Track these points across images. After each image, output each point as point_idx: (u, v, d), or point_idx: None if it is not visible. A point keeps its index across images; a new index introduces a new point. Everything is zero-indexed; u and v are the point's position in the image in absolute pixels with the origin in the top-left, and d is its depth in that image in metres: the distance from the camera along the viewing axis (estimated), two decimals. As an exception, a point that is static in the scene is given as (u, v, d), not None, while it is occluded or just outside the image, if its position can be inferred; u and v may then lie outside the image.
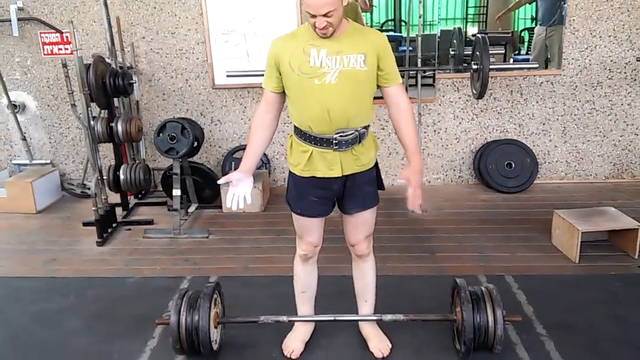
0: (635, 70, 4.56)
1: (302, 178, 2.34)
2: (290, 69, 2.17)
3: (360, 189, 2.36)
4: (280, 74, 2.23)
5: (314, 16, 2.05)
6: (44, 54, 4.68)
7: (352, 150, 2.27)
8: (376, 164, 2.44)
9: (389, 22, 6.38)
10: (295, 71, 2.16)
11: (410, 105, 2.30)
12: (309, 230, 2.46)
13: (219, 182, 2.35)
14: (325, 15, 2.03)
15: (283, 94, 2.29)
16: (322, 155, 2.26)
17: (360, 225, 2.45)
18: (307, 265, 2.57)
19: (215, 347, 2.51)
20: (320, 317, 2.66)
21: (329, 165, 2.27)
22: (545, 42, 4.88)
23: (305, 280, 2.61)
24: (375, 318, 2.59)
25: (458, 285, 2.50)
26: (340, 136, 2.22)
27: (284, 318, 2.57)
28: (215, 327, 2.53)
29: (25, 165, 4.95)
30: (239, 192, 2.29)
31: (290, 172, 2.41)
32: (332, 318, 2.60)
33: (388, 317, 2.52)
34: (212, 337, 2.45)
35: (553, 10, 4.84)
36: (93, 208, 3.85)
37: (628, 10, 4.43)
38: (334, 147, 2.23)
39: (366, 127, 2.31)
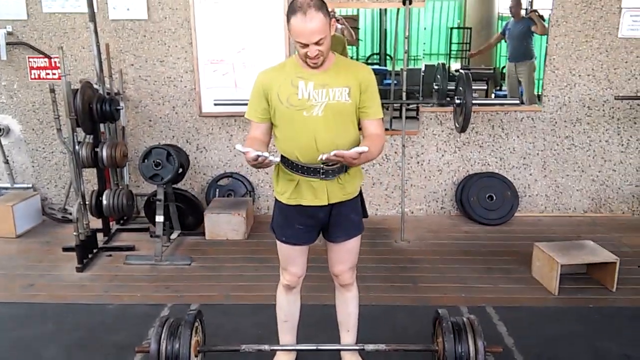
0: (612, 108, 4.69)
1: (288, 206, 2.36)
2: (279, 101, 2.22)
3: (345, 217, 2.39)
4: (267, 104, 2.26)
5: (305, 46, 2.10)
6: (31, 78, 4.69)
7: (338, 179, 2.31)
8: (360, 193, 2.47)
9: (375, 56, 6.50)
10: (284, 103, 2.21)
11: (384, 139, 2.33)
12: (293, 260, 2.47)
13: (239, 148, 2.09)
14: (316, 43, 2.08)
15: (268, 122, 2.32)
16: (309, 183, 2.29)
17: (345, 254, 2.46)
18: (290, 295, 2.57)
19: None
20: (302, 346, 2.65)
21: (316, 193, 2.30)
22: (517, 77, 5.05)
23: (287, 309, 2.60)
24: (357, 348, 2.59)
25: (440, 315, 2.51)
26: (327, 165, 2.25)
27: (266, 347, 2.55)
28: (196, 356, 2.50)
29: (6, 188, 4.90)
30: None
31: (276, 200, 2.43)
32: (314, 347, 2.59)
33: (370, 347, 2.51)
34: (192, 365, 2.43)
35: (520, 48, 5.03)
36: (74, 233, 3.81)
37: (607, 51, 4.58)
38: (321, 176, 2.27)
39: None
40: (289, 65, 2.28)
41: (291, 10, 2.08)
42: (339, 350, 2.68)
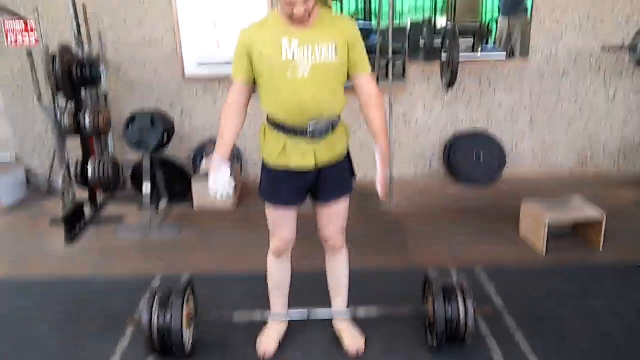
0: (599, 59, 4.65)
1: (275, 170, 2.34)
2: (262, 61, 2.15)
3: (333, 180, 2.38)
4: (251, 64, 2.20)
5: (291, 4, 2.03)
6: (8, 43, 4.53)
7: (326, 139, 2.28)
8: (348, 152, 2.45)
9: (359, 13, 6.35)
10: (267, 64, 2.14)
11: (379, 93, 2.32)
12: (282, 224, 2.45)
13: (200, 171, 2.29)
14: (304, 2, 2.02)
15: (252, 84, 2.27)
16: (296, 145, 2.26)
17: (334, 216, 2.45)
18: (280, 262, 2.57)
19: (188, 346, 2.49)
20: (294, 313, 2.66)
21: (303, 155, 2.27)
22: (509, 30, 4.95)
23: (278, 276, 2.61)
24: (348, 313, 2.61)
25: (429, 278, 2.53)
26: (314, 125, 2.22)
27: (258, 316, 2.57)
28: (188, 327, 2.51)
29: (-12, 160, 4.83)
30: (221, 177, 2.25)
31: (263, 163, 2.40)
32: (305, 315, 2.61)
33: (361, 311, 2.53)
34: (184, 336, 2.43)
35: (513, 1, 4.91)
36: (61, 206, 3.77)
37: (593, 1, 4.50)
38: (308, 137, 2.24)
39: (338, 116, 2.33)
40: (271, 21, 2.19)
41: None
42: (331, 318, 2.70)
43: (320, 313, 2.67)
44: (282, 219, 2.44)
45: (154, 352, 2.48)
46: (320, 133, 2.25)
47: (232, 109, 2.30)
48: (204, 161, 2.33)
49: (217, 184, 2.26)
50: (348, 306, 2.67)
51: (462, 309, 2.43)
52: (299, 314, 2.64)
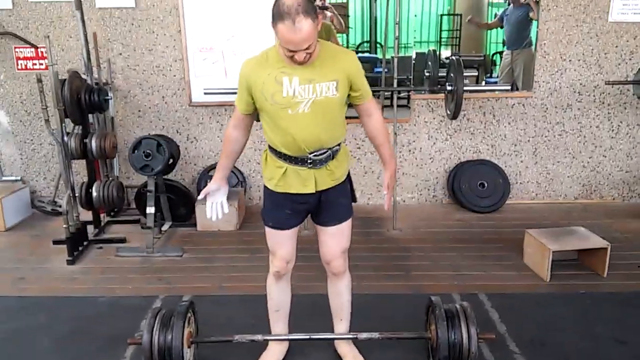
0: (603, 93, 4.70)
1: (276, 193, 2.36)
2: (263, 97, 2.18)
3: (334, 202, 2.39)
4: (251, 98, 2.24)
5: (293, 51, 2.05)
6: (18, 69, 4.62)
7: (327, 166, 2.30)
8: (349, 176, 2.47)
9: (365, 44, 6.46)
10: (269, 100, 2.17)
11: (381, 115, 2.40)
12: (281, 244, 2.46)
13: (199, 198, 2.36)
14: (306, 49, 2.04)
15: (252, 114, 2.34)
16: (297, 172, 2.29)
17: (336, 237, 2.45)
18: (280, 283, 2.56)
19: None
20: (295, 335, 2.65)
21: (303, 181, 2.29)
22: (512, 64, 5.03)
23: (278, 298, 2.60)
24: (350, 336, 2.59)
25: (433, 303, 2.51)
26: (315, 156, 2.25)
27: (259, 337, 2.55)
28: (189, 347, 2.49)
29: (-6, 181, 4.86)
30: (217, 199, 2.38)
31: (264, 186, 2.43)
32: (307, 337, 2.59)
33: (363, 335, 2.52)
34: (185, 357, 2.42)
35: (517, 35, 5.00)
36: (64, 226, 3.78)
37: (597, 35, 4.58)
38: (309, 166, 2.27)
39: (339, 144, 2.35)
40: (271, 56, 2.19)
41: (277, 16, 1.99)
42: (332, 339, 2.68)
43: (322, 336, 2.65)
44: (280, 240, 2.46)
45: None
46: (321, 162, 2.28)
47: (230, 136, 2.39)
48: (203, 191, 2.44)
49: (212, 207, 2.40)
50: (350, 329, 2.65)
51: (465, 334, 2.41)
52: (300, 336, 2.62)
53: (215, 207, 2.38)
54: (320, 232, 2.48)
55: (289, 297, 2.62)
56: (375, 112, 2.36)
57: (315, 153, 2.25)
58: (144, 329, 2.42)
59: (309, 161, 2.26)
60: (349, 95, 2.27)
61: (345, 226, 2.46)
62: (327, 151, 2.28)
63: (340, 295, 2.60)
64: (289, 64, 2.13)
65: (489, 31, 5.85)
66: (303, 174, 2.28)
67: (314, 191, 2.30)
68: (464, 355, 2.41)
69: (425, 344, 2.63)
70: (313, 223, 2.50)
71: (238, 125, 2.36)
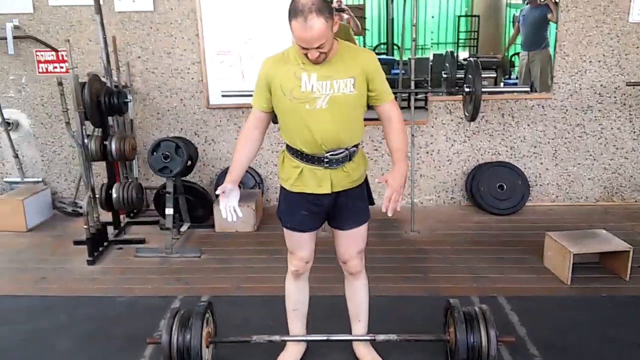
0: (624, 94, 4.64)
1: (292, 193, 2.37)
2: (282, 93, 2.20)
3: (351, 205, 2.39)
4: (270, 94, 2.25)
5: (306, 48, 2.07)
6: (39, 72, 4.69)
7: (343, 167, 2.30)
8: (366, 179, 2.46)
9: (382, 46, 6.45)
10: (287, 96, 2.19)
11: (402, 117, 2.33)
12: (300, 245, 2.46)
13: (217, 192, 2.34)
14: (318, 47, 2.06)
15: (271, 112, 2.33)
16: (313, 172, 2.29)
17: (352, 239, 2.44)
18: (298, 282, 2.56)
19: None
20: (313, 337, 2.64)
21: (319, 181, 2.29)
22: (529, 65, 4.98)
23: (296, 297, 2.60)
24: (368, 338, 2.58)
25: (452, 305, 2.50)
26: (332, 155, 2.25)
27: (277, 337, 2.55)
28: (207, 347, 2.50)
29: (16, 183, 4.92)
30: (230, 203, 2.34)
31: (281, 186, 2.44)
32: (325, 338, 2.59)
33: (381, 337, 2.51)
34: (203, 357, 2.43)
35: (534, 36, 4.95)
36: (84, 226, 3.83)
37: (617, 36, 4.52)
38: (325, 165, 2.27)
39: (356, 145, 2.35)
40: (292, 53, 2.22)
41: (292, 13, 2.03)
42: (350, 340, 2.68)
43: (340, 337, 2.64)
44: (299, 241, 2.46)
45: None
46: (338, 163, 2.28)
47: (247, 136, 2.36)
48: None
49: (226, 209, 2.35)
50: (368, 331, 2.64)
51: (484, 337, 2.39)
52: (318, 337, 2.62)
53: (229, 209, 2.36)
54: (336, 234, 2.48)
55: (307, 296, 2.62)
56: (396, 116, 2.31)
57: (332, 152, 2.25)
58: (163, 329, 2.43)
59: (325, 160, 2.26)
60: (368, 96, 2.26)
61: (362, 229, 2.45)
62: (344, 151, 2.27)
63: (357, 296, 2.59)
64: (308, 61, 2.15)
65: (507, 32, 5.80)
66: (319, 174, 2.28)
67: (329, 192, 2.30)
68: (483, 358, 2.39)
69: (443, 347, 2.62)
70: (329, 225, 2.50)
71: (256, 126, 2.35)
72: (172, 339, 2.40)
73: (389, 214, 2.21)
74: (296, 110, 2.19)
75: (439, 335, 2.59)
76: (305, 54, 2.10)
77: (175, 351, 2.40)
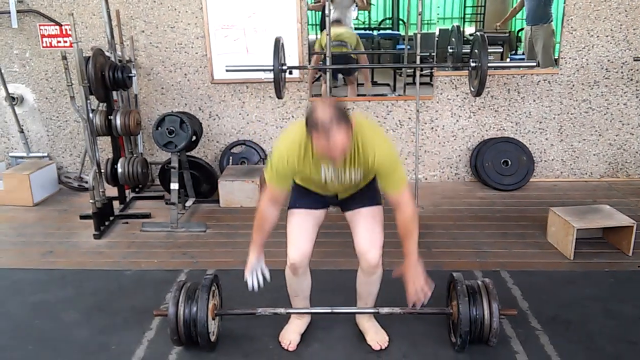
0: (631, 70, 4.59)
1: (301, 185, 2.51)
2: (302, 180, 2.44)
3: (359, 193, 2.49)
4: (292, 179, 2.38)
5: (332, 158, 2.11)
6: (43, 47, 4.68)
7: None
8: (374, 177, 2.49)
9: (387, 21, 6.39)
10: (307, 182, 2.43)
11: (413, 210, 2.33)
12: (301, 232, 2.47)
13: (245, 277, 2.47)
14: (342, 155, 2.10)
15: (289, 187, 2.42)
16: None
17: (369, 223, 2.46)
18: (297, 275, 2.54)
19: (212, 338, 2.52)
20: (317, 309, 2.68)
21: (327, 196, 2.51)
22: (532, 39, 4.93)
23: (297, 286, 2.61)
24: (372, 310, 2.60)
25: (455, 279, 2.52)
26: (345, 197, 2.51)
27: (282, 310, 2.58)
28: (213, 319, 2.54)
29: (22, 158, 4.95)
30: (256, 267, 2.47)
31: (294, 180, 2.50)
32: (329, 310, 2.62)
33: (385, 309, 2.53)
34: (209, 328, 2.47)
35: (537, 10, 4.89)
36: (90, 201, 3.85)
37: (626, 11, 4.46)
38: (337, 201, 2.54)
39: None
40: (308, 150, 2.21)
41: (313, 127, 2.03)
42: (355, 313, 2.70)
43: (344, 310, 2.67)
44: (303, 226, 2.48)
45: (180, 343, 2.51)
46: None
47: (268, 214, 2.40)
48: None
49: (252, 275, 2.46)
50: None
51: (487, 309, 2.42)
52: (322, 309, 2.65)
53: (255, 275, 2.44)
54: (351, 220, 2.51)
55: (308, 283, 2.62)
56: (406, 207, 2.30)
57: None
58: (170, 301, 2.46)
59: (337, 198, 2.51)
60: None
61: (376, 211, 2.49)
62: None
63: (370, 286, 2.58)
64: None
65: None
66: (328, 198, 2.51)
67: (337, 199, 2.49)
68: (486, 331, 2.42)
69: (446, 320, 2.64)
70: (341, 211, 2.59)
71: (275, 202, 2.37)
72: (179, 311, 2.44)
73: (417, 305, 2.40)
74: (314, 184, 2.41)
75: (442, 309, 2.62)
76: (328, 160, 2.16)
77: (182, 323, 2.44)
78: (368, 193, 2.50)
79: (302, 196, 2.50)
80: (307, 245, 2.47)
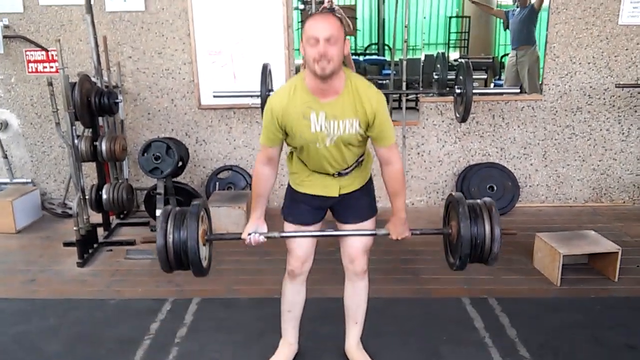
0: (613, 96, 4.67)
1: (298, 192, 2.43)
2: (293, 135, 2.24)
3: (357, 200, 2.44)
4: (281, 134, 2.26)
5: (316, 43, 2.05)
6: (29, 72, 4.66)
7: (352, 174, 2.39)
8: (370, 178, 2.51)
9: (373, 46, 6.47)
10: (298, 137, 2.23)
11: (401, 165, 2.34)
12: (299, 242, 2.46)
13: (242, 236, 2.38)
14: (327, 41, 2.05)
15: (281, 144, 2.34)
16: (322, 178, 2.37)
17: (361, 228, 2.46)
18: (295, 284, 2.55)
19: (204, 263, 2.38)
20: (317, 233, 2.50)
21: (327, 186, 2.37)
22: (517, 65, 5.00)
23: (292, 299, 2.59)
24: (369, 233, 2.46)
25: (455, 199, 2.38)
26: (341, 171, 2.35)
27: (275, 234, 2.41)
28: (204, 245, 2.38)
29: (5, 183, 4.89)
30: (257, 235, 2.38)
31: (288, 184, 2.49)
32: (325, 233, 2.49)
33: (382, 231, 2.42)
34: (201, 254, 2.30)
35: (521, 33, 4.98)
36: (74, 228, 3.79)
37: (607, 38, 4.55)
38: (335, 176, 2.36)
39: (364, 153, 2.41)
40: (299, 90, 2.20)
41: (309, 16, 2.15)
42: (346, 235, 2.49)
43: (335, 233, 2.51)
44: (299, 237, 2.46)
45: (171, 270, 2.33)
46: (347, 173, 2.36)
47: (264, 173, 2.36)
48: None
49: (251, 237, 2.38)
50: (362, 337, 2.65)
51: (487, 228, 2.30)
52: (322, 233, 2.50)
53: (252, 236, 2.37)
54: (340, 227, 2.50)
55: (302, 299, 2.61)
56: (396, 161, 2.31)
57: (341, 170, 2.34)
58: (157, 232, 2.25)
59: (335, 175, 2.35)
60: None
61: (368, 224, 2.48)
62: (353, 164, 2.36)
63: (357, 296, 2.58)
64: (316, 98, 2.17)
65: (497, 33, 5.83)
66: (328, 182, 2.36)
67: (337, 194, 2.38)
68: (485, 254, 2.33)
69: (444, 240, 2.56)
70: (335, 220, 2.52)
71: (269, 161, 2.35)
72: (168, 240, 2.24)
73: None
74: (306, 147, 2.26)
75: (440, 229, 2.54)
76: (314, 58, 2.07)
77: (172, 249, 2.25)
78: (364, 200, 2.46)
79: (295, 205, 2.45)
80: (305, 250, 2.47)
